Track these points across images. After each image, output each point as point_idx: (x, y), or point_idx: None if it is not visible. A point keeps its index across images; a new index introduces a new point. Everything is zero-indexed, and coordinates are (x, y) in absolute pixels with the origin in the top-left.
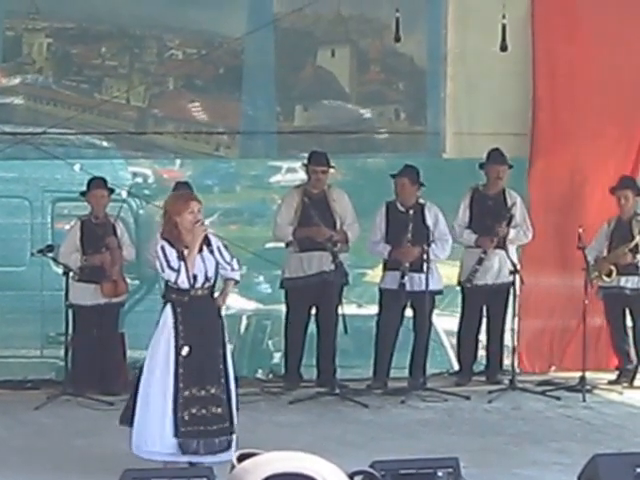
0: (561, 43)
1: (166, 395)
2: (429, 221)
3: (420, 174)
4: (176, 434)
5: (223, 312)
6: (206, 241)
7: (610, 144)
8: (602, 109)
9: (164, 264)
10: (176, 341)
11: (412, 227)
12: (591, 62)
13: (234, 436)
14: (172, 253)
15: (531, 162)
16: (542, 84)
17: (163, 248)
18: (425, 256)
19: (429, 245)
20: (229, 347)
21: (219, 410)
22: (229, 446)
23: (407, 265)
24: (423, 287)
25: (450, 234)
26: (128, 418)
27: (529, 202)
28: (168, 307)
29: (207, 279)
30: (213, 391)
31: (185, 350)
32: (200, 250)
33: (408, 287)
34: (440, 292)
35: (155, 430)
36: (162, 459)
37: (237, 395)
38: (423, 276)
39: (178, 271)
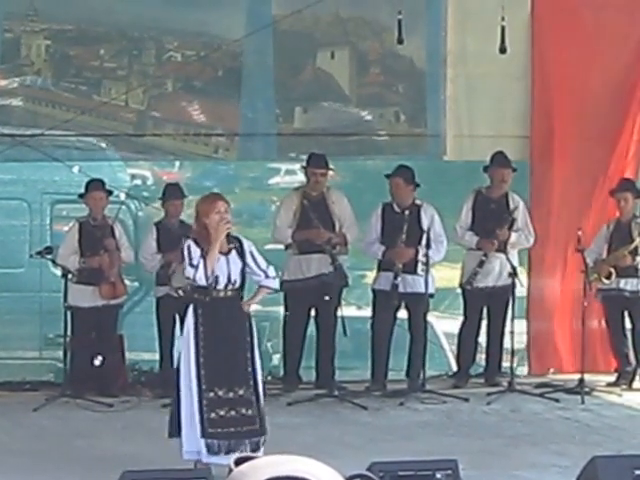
0: (561, 45)
1: (193, 397)
2: (424, 222)
3: (415, 174)
4: (203, 435)
5: None
6: (237, 244)
7: (611, 146)
8: (602, 112)
9: (187, 262)
10: (196, 342)
11: (407, 228)
12: (591, 64)
13: (263, 438)
14: (196, 251)
15: (532, 165)
16: (541, 87)
17: (189, 247)
18: (425, 258)
19: (428, 247)
20: (257, 350)
21: (249, 412)
22: (258, 448)
23: (400, 266)
24: (415, 289)
25: (445, 236)
26: (175, 429)
27: (530, 204)
28: (190, 308)
29: (230, 281)
30: (242, 393)
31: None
32: (228, 252)
33: (401, 288)
34: (432, 295)
35: (188, 431)
36: (193, 458)
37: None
38: (416, 277)
39: (197, 267)
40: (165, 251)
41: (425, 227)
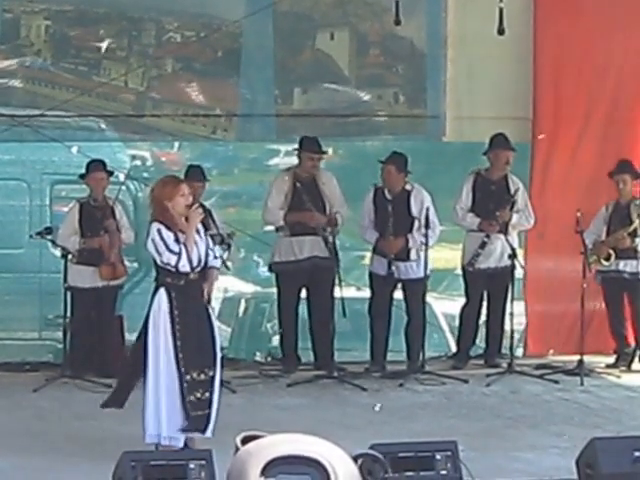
0: (564, 26)
1: (174, 380)
2: (414, 209)
3: (407, 162)
4: (187, 417)
5: (220, 296)
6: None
7: (613, 127)
8: (605, 92)
9: (162, 247)
10: (172, 326)
11: (393, 219)
12: (594, 45)
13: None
14: (170, 236)
15: (534, 146)
16: (543, 68)
17: (160, 231)
18: (424, 239)
19: (427, 227)
20: (217, 331)
21: (206, 395)
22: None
23: (392, 256)
24: (409, 275)
25: (438, 221)
26: (121, 400)
27: (530, 185)
28: (162, 291)
29: (199, 263)
30: (211, 374)
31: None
32: None
33: (396, 275)
34: (427, 277)
35: (168, 414)
36: (154, 441)
37: (221, 380)
38: (409, 264)
39: (179, 254)
40: None
41: (414, 213)
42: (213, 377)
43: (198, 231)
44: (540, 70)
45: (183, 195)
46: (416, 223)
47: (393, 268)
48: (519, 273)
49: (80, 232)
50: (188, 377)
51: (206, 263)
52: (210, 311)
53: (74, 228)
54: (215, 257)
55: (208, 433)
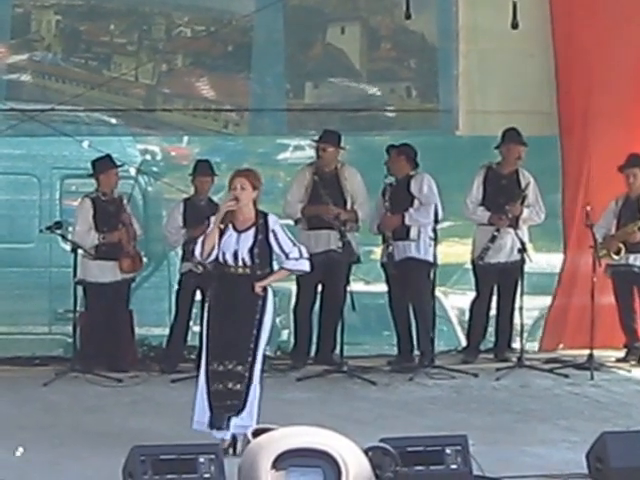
0: (581, 22)
1: (201, 369)
2: (413, 188)
3: (415, 151)
4: (210, 408)
5: None
6: (262, 221)
7: (631, 121)
8: (622, 88)
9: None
10: (207, 316)
11: (390, 196)
12: (611, 41)
13: (243, 414)
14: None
15: (562, 139)
16: (561, 62)
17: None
18: (436, 226)
19: (437, 222)
20: (267, 328)
21: (237, 387)
22: (228, 425)
23: (389, 234)
24: (407, 254)
25: (439, 200)
26: None
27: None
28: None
29: (236, 258)
30: (239, 369)
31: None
32: (245, 229)
33: (397, 257)
34: (434, 264)
35: (198, 402)
36: (202, 429)
37: (262, 376)
38: (407, 243)
39: (197, 243)
40: (190, 227)
41: (414, 192)
42: (242, 373)
43: (257, 228)
44: (559, 66)
45: (234, 189)
46: (415, 202)
47: (391, 248)
48: (531, 267)
49: (95, 227)
50: (211, 367)
51: (254, 261)
52: (259, 308)
53: (89, 224)
54: (288, 258)
55: (238, 423)
